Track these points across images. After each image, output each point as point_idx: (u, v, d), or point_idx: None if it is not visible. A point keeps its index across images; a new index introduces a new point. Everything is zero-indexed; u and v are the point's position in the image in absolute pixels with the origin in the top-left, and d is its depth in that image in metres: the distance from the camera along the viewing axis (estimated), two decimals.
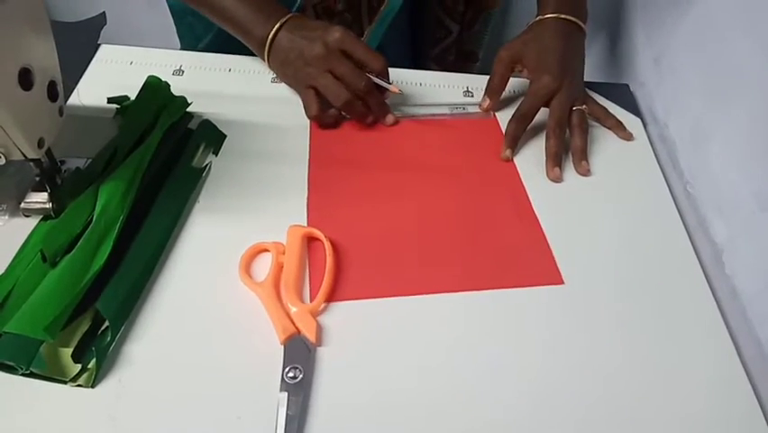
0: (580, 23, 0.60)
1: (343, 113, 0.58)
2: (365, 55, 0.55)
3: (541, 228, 0.50)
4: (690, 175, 0.56)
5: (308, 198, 0.51)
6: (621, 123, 0.60)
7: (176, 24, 0.75)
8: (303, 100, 0.57)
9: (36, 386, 0.37)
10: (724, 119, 0.52)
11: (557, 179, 0.55)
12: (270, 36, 0.56)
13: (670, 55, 0.61)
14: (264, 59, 0.58)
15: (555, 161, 0.55)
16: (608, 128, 0.60)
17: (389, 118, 0.58)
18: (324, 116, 0.56)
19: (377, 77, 0.55)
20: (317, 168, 0.53)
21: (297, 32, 0.56)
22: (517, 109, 0.57)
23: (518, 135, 0.57)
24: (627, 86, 0.67)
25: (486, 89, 0.60)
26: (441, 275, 0.46)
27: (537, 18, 0.60)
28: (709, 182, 0.53)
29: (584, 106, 0.58)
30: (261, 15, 0.57)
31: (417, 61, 0.84)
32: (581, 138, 0.57)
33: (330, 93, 0.55)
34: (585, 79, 0.62)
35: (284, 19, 0.56)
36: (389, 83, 0.56)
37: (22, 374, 0.37)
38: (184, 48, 0.75)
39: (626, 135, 0.60)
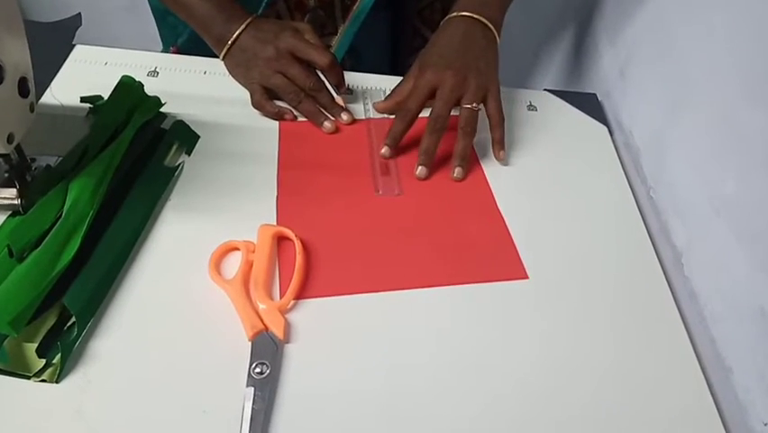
0: (485, 21, 0.58)
1: (296, 112, 0.59)
2: (312, 54, 0.57)
3: (506, 227, 0.52)
4: (652, 181, 0.58)
5: (278, 198, 0.51)
6: (503, 140, 0.57)
7: (157, 25, 0.75)
8: (249, 90, 0.59)
9: None
10: (681, 128, 0.54)
11: (420, 177, 0.55)
12: (232, 39, 0.58)
13: (633, 66, 0.64)
14: (220, 57, 0.61)
15: (423, 158, 0.55)
16: (491, 137, 0.58)
17: (345, 116, 0.59)
18: (267, 104, 0.58)
19: (325, 74, 0.58)
20: (286, 168, 0.54)
21: (254, 34, 0.58)
22: (402, 107, 0.57)
23: (399, 133, 0.56)
24: (595, 95, 0.69)
25: (390, 93, 0.61)
26: (406, 272, 0.47)
27: (443, 20, 0.60)
28: (669, 188, 0.55)
29: (475, 105, 0.55)
30: (222, 15, 0.59)
31: (396, 68, 0.86)
32: (463, 141, 0.55)
33: (281, 90, 0.58)
34: (554, 88, 0.64)
35: (246, 23, 0.58)
36: (342, 81, 0.59)
37: None
38: (165, 48, 0.76)
39: (499, 156, 0.57)
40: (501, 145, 0.58)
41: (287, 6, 0.69)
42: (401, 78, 0.63)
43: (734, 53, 0.48)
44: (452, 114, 0.56)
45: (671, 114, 0.56)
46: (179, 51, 0.71)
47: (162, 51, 0.76)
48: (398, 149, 0.57)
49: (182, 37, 0.71)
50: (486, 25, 0.58)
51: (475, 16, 0.58)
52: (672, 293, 0.49)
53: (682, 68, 0.55)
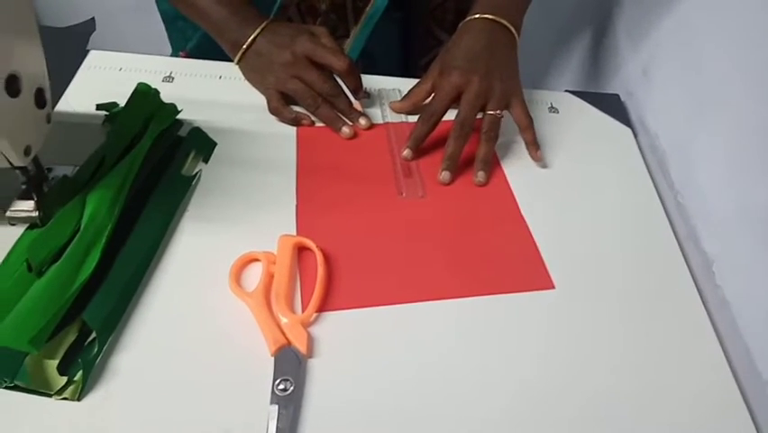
0: (507, 24, 0.57)
1: (313, 117, 0.58)
2: (329, 58, 0.56)
3: (531, 234, 0.50)
4: (679, 185, 0.56)
5: (297, 207, 0.50)
6: (536, 141, 0.57)
7: (167, 29, 0.75)
8: (265, 96, 0.59)
9: (20, 399, 0.36)
10: (709, 131, 0.53)
11: (444, 182, 0.54)
12: (248, 43, 0.58)
13: (657, 66, 0.62)
14: (235, 61, 0.60)
15: (447, 163, 0.54)
16: (524, 140, 0.58)
17: (363, 121, 0.58)
18: (284, 110, 0.58)
19: (342, 78, 0.58)
20: (305, 176, 0.53)
21: (270, 38, 0.57)
22: (425, 109, 0.56)
23: (422, 136, 0.55)
24: (618, 96, 0.67)
25: (407, 93, 0.60)
26: (432, 283, 0.46)
27: (463, 21, 0.59)
28: (698, 193, 0.53)
29: (498, 112, 0.55)
30: (237, 18, 0.58)
31: (409, 70, 0.85)
32: (486, 147, 0.55)
33: (299, 96, 0.57)
34: (575, 89, 0.62)
35: (261, 27, 0.57)
36: (360, 85, 0.58)
37: (6, 387, 0.36)
38: (174, 53, 0.75)
39: (536, 156, 0.57)
40: (536, 146, 0.57)
41: (298, 11, 0.68)
42: (416, 79, 0.62)
43: (764, 52, 0.46)
44: None
45: (698, 115, 0.55)
46: (189, 56, 0.71)
47: (171, 56, 0.75)
48: (419, 151, 0.56)
49: (192, 42, 0.70)
50: (508, 29, 0.57)
51: (497, 19, 0.57)
52: (703, 302, 0.48)
53: (710, 67, 0.54)
